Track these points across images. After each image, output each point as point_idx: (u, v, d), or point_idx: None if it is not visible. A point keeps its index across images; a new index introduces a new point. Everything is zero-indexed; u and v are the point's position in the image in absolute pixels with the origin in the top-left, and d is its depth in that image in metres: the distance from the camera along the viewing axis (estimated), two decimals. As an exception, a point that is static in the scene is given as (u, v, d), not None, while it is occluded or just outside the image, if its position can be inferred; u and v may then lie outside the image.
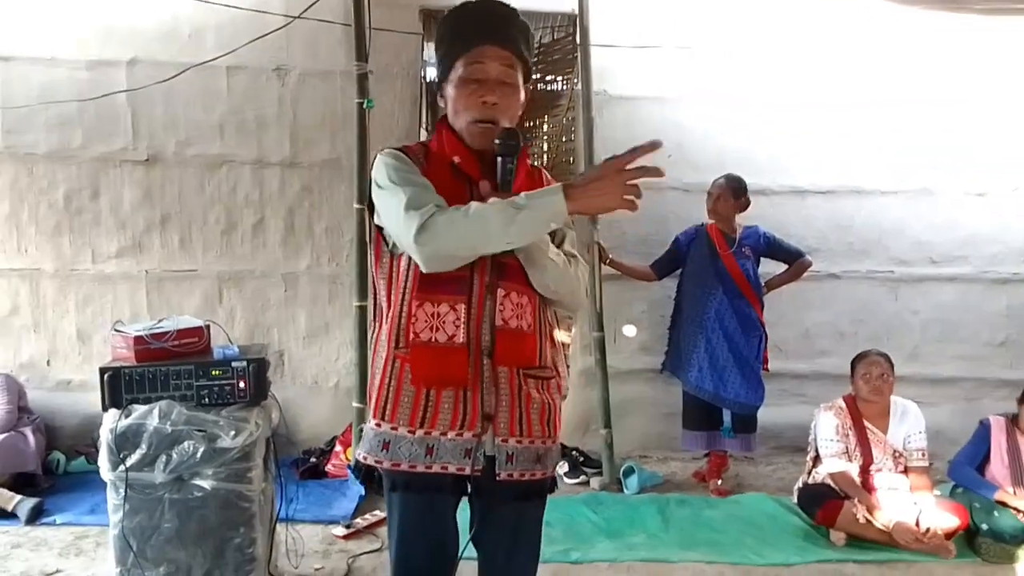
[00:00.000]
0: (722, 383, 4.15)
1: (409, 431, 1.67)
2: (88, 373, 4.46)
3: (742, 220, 4.25)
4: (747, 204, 4.21)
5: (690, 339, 4.25)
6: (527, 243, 1.60)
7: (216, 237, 4.54)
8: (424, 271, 1.61)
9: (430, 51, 5.70)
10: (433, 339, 1.65)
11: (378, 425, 1.71)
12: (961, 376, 4.87)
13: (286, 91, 4.52)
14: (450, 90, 1.70)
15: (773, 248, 4.28)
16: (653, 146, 1.43)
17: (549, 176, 1.87)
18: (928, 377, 4.77)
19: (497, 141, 1.64)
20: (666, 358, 4.47)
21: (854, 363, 3.77)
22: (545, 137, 4.75)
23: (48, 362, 4.52)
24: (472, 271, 1.66)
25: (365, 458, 1.73)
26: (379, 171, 1.69)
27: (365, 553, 3.35)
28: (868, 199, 4.83)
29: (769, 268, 4.34)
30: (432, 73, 5.54)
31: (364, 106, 3.98)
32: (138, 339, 2.63)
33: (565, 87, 4.70)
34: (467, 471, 1.67)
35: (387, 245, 1.73)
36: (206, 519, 2.58)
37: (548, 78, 4.68)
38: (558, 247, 1.77)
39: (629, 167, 1.44)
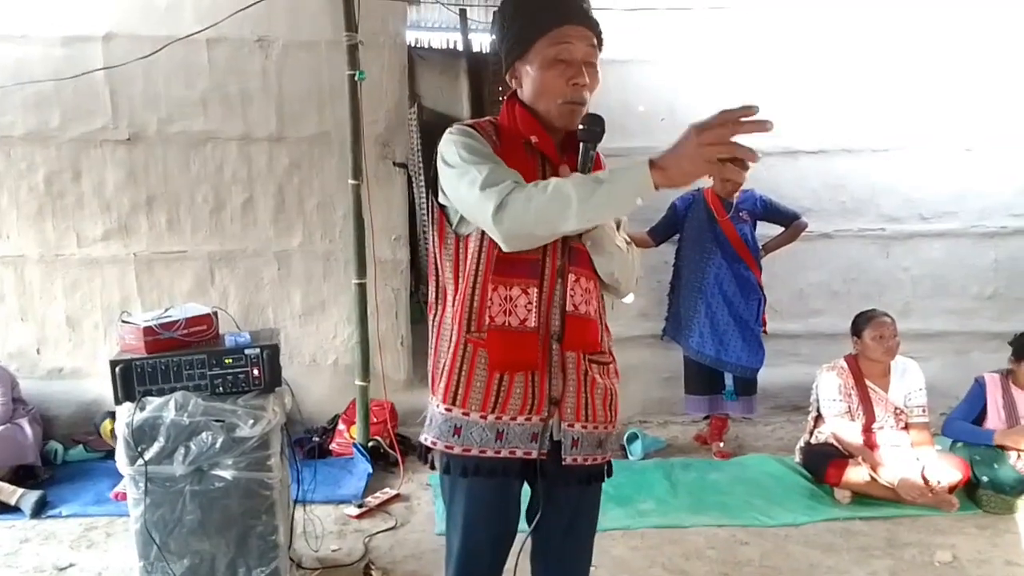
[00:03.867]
0: (723, 347, 4.19)
1: (481, 416, 1.66)
2: (80, 360, 4.42)
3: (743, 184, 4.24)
4: None
5: (690, 304, 4.27)
6: (609, 220, 1.54)
7: (205, 217, 4.43)
8: (506, 250, 1.56)
9: (414, 16, 5.57)
10: (507, 323, 1.63)
11: (448, 410, 1.69)
12: (951, 330, 4.97)
13: (270, 63, 4.38)
14: (531, 71, 1.64)
15: (769, 211, 4.29)
16: (748, 109, 1.29)
17: (603, 159, 1.80)
18: (920, 332, 4.85)
19: (582, 127, 1.59)
20: (666, 324, 4.49)
21: (860, 324, 3.80)
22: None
23: (38, 350, 4.41)
24: (544, 254, 1.64)
25: (435, 443, 1.71)
26: (448, 148, 1.62)
27: (380, 532, 3.35)
28: (859, 157, 4.86)
29: (767, 231, 4.35)
30: (413, 38, 5.41)
31: (356, 78, 3.88)
32: (147, 330, 2.55)
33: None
34: (534, 455, 1.67)
35: (451, 225, 1.69)
36: (228, 509, 2.54)
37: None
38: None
39: (710, 128, 1.30)
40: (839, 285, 4.95)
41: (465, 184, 1.56)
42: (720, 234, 4.19)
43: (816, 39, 4.67)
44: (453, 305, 1.70)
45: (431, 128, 5.72)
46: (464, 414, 1.67)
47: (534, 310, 1.64)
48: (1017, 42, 4.75)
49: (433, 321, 1.77)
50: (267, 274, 4.52)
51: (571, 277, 1.66)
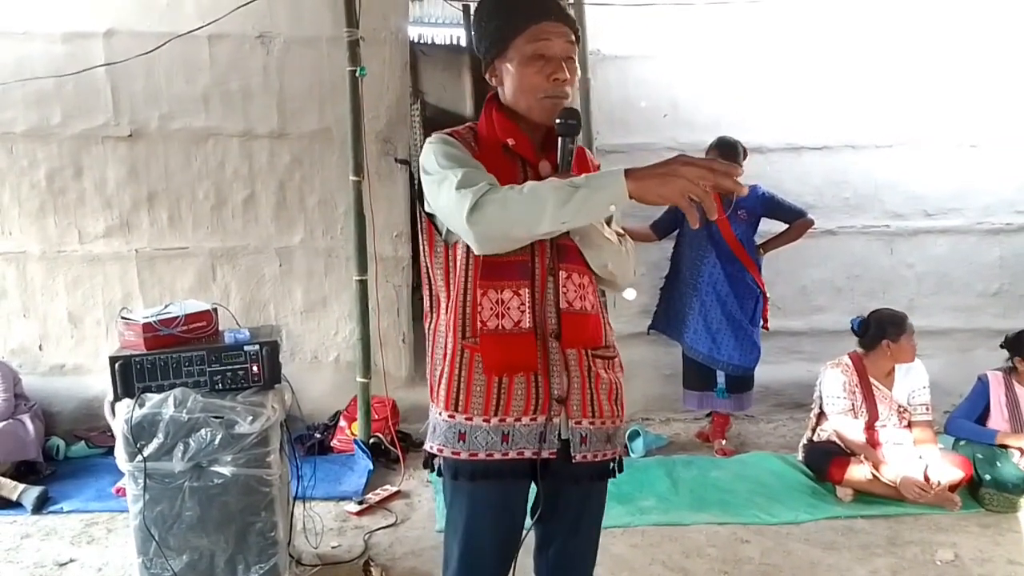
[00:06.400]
0: (715, 345, 4.19)
1: (484, 420, 1.66)
2: (82, 356, 4.42)
3: (741, 179, 4.21)
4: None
5: (685, 301, 4.28)
6: (582, 225, 1.57)
7: (206, 213, 4.43)
8: (477, 253, 1.56)
9: (417, 12, 5.55)
10: (500, 326, 1.63)
11: (451, 416, 1.68)
12: (955, 327, 4.93)
13: (271, 59, 4.37)
14: (510, 68, 1.65)
15: (771, 208, 4.23)
16: (734, 168, 1.38)
17: (591, 154, 1.84)
18: (923, 329, 4.73)
19: (558, 121, 1.60)
20: (655, 319, 4.51)
21: (898, 327, 3.72)
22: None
23: (40, 347, 4.41)
24: (533, 254, 1.64)
25: (440, 450, 1.71)
26: (427, 157, 1.64)
27: (380, 529, 3.34)
28: (863, 153, 4.82)
29: (774, 227, 4.33)
30: (416, 33, 5.40)
31: (357, 74, 3.88)
32: (147, 326, 2.56)
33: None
34: (542, 455, 1.67)
35: (440, 234, 1.69)
36: (227, 505, 2.54)
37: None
38: (608, 225, 1.74)
39: (699, 164, 1.37)
40: (842, 282, 4.92)
41: (444, 188, 1.55)
42: (716, 233, 4.16)
43: (819, 34, 4.63)
44: (446, 313, 1.70)
45: (434, 125, 5.71)
46: (467, 419, 1.67)
47: (528, 311, 1.64)
48: (1022, 38, 4.72)
49: (429, 329, 1.77)
50: (268, 271, 4.51)
51: (563, 274, 1.67)
